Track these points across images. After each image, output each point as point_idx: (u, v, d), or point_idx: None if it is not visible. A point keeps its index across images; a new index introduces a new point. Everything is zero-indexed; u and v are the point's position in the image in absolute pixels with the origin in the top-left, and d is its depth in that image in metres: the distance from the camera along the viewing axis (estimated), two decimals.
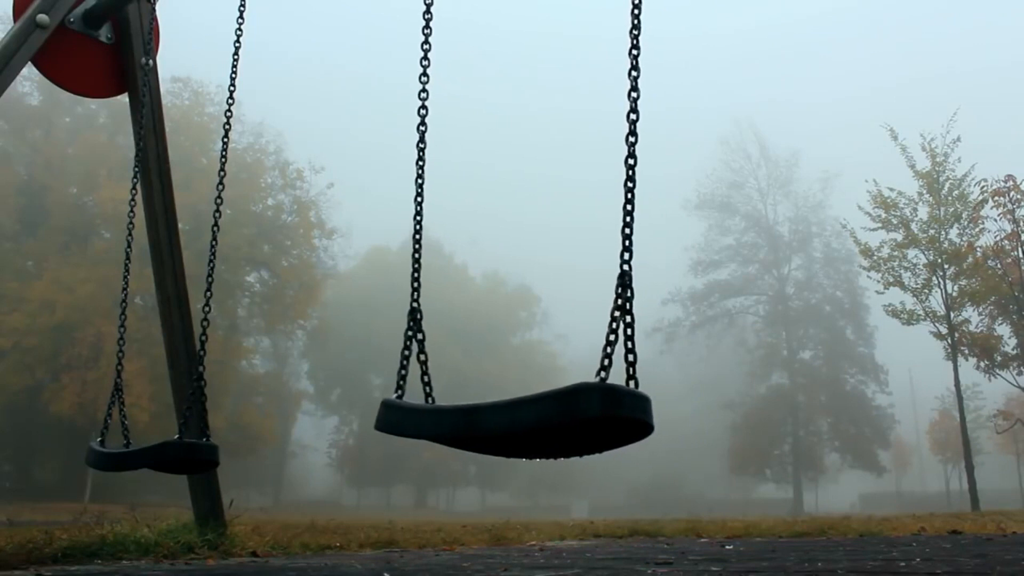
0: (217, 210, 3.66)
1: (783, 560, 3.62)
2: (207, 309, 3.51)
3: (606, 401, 1.66)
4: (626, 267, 1.85)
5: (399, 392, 2.19)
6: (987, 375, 22.41)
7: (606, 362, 1.76)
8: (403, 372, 2.22)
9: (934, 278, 21.87)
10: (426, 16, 2.62)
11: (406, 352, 2.21)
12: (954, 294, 21.81)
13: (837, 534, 6.53)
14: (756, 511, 29.09)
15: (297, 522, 7.91)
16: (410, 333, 2.23)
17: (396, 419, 2.08)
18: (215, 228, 3.66)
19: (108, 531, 4.15)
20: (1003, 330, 22.15)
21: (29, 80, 30.26)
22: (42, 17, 3.97)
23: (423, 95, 2.58)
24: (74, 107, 34.48)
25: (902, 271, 22.26)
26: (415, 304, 2.29)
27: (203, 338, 3.54)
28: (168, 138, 4.68)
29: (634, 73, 2.03)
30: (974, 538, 5.58)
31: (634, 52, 2.04)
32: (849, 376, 48.26)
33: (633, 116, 2.01)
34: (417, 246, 2.43)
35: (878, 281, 22.60)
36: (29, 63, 4.03)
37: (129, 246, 4.09)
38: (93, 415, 27.35)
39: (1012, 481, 47.23)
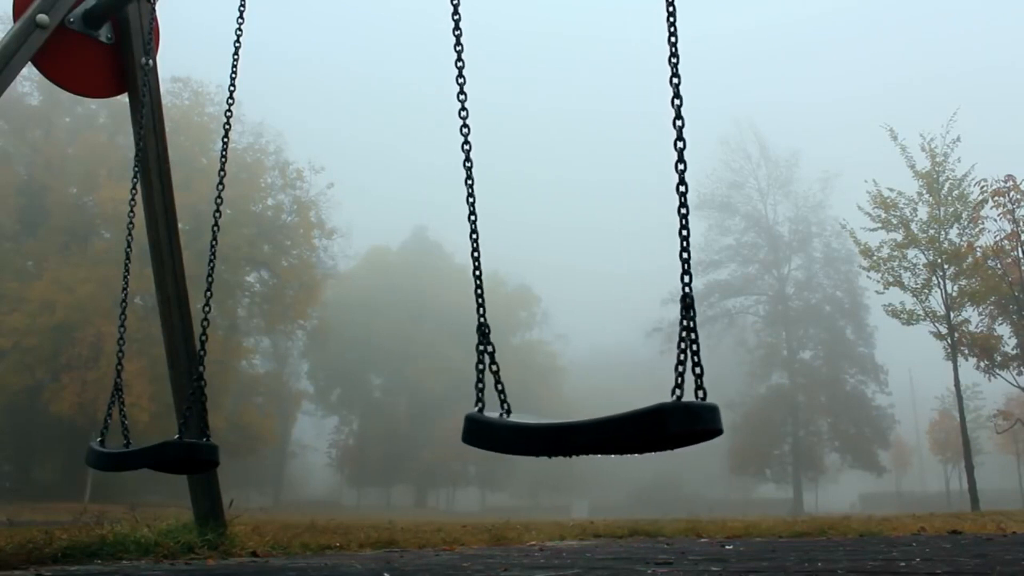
0: (217, 210, 3.66)
1: (783, 560, 3.62)
2: (207, 309, 3.51)
3: (685, 419, 1.83)
4: (687, 289, 1.97)
5: (480, 405, 2.28)
6: (987, 375, 22.40)
7: (679, 380, 1.89)
8: (480, 385, 2.31)
9: (934, 278, 21.87)
10: (456, 33, 2.63)
11: (480, 366, 2.31)
12: (954, 294, 21.81)
13: (837, 534, 6.53)
14: (756, 511, 29.09)
15: (297, 522, 7.91)
16: (481, 347, 2.34)
17: (485, 435, 2.21)
18: (215, 228, 3.66)
19: (108, 531, 4.15)
20: (1003, 330, 22.16)
21: (29, 80, 30.28)
22: (42, 17, 3.97)
23: (463, 113, 2.59)
24: (74, 107, 34.49)
25: (902, 271, 22.26)
26: (482, 319, 2.39)
27: (203, 338, 3.54)
28: (168, 138, 4.68)
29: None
30: (974, 538, 5.58)
31: (673, 60, 2.10)
32: (849, 376, 48.27)
33: (680, 144, 2.06)
34: (477, 263, 2.52)
35: (878, 281, 22.61)
36: (29, 63, 4.03)
37: (129, 246, 4.08)
38: (93, 415, 27.35)
39: (1012, 481, 47.22)
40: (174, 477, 4.40)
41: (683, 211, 2.03)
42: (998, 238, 21.65)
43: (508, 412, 2.23)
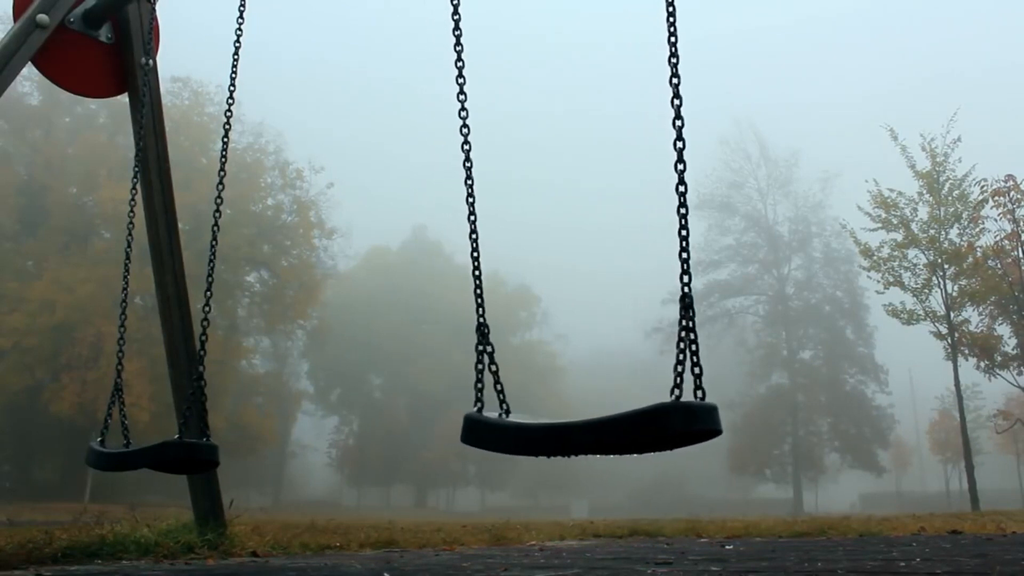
0: (217, 210, 3.66)
1: (783, 560, 3.62)
2: (207, 309, 3.51)
3: (684, 419, 1.85)
4: (686, 289, 1.97)
5: (479, 405, 2.28)
6: (987, 375, 22.39)
7: (678, 380, 1.90)
8: (479, 385, 2.31)
9: (934, 278, 21.86)
10: (456, 33, 2.63)
11: (479, 366, 2.31)
12: (954, 294, 21.81)
13: (837, 534, 6.53)
14: (756, 511, 29.07)
15: (297, 522, 7.91)
16: (480, 347, 2.33)
17: (484, 434, 2.21)
18: (215, 228, 3.66)
19: (108, 531, 4.15)
20: (1003, 330, 22.14)
21: (29, 80, 30.27)
22: (42, 17, 3.97)
23: (463, 113, 2.59)
24: (74, 107, 34.49)
25: (902, 271, 22.25)
26: (481, 319, 2.39)
27: (203, 338, 3.54)
28: (168, 138, 4.68)
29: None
30: (974, 538, 5.58)
31: (673, 60, 2.10)
32: (849, 376, 48.28)
33: (680, 145, 2.06)
34: (476, 263, 2.52)
35: (878, 281, 22.60)
36: (29, 63, 4.03)
37: (129, 246, 4.08)
38: (93, 415, 27.35)
39: (1012, 481, 47.21)
40: (174, 477, 4.40)
41: (683, 211, 2.04)
42: (998, 238, 21.66)
43: (507, 412, 2.23)
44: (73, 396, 29.41)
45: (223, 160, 3.77)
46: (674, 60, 2.09)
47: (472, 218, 2.53)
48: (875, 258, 22.66)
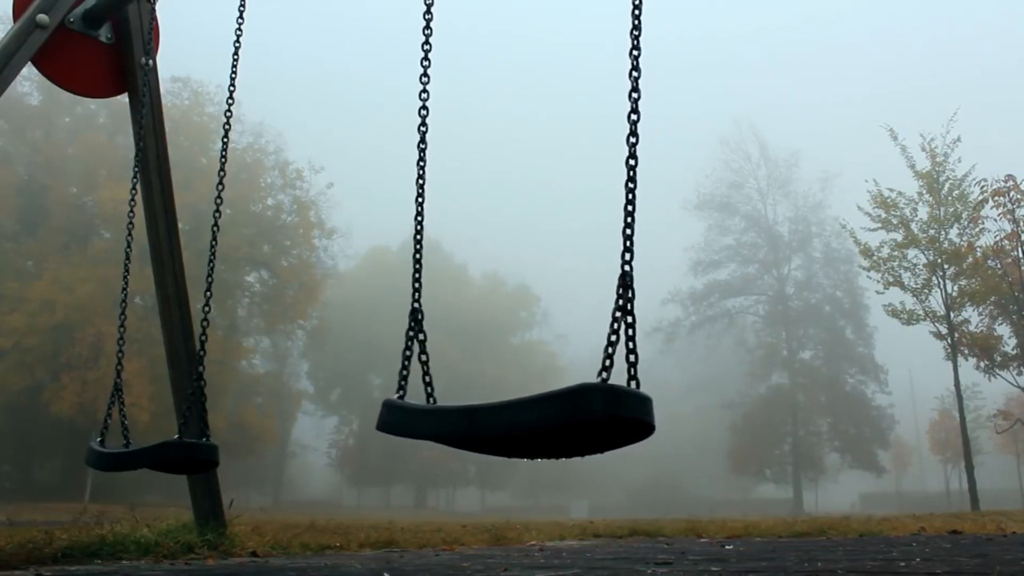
0: (217, 210, 3.66)
1: (783, 560, 3.62)
2: (207, 309, 3.51)
3: (608, 402, 1.66)
4: (627, 267, 1.85)
5: (400, 392, 2.19)
6: (987, 375, 22.40)
7: (607, 363, 1.76)
8: (404, 372, 2.21)
9: (934, 278, 21.86)
10: (426, 16, 2.62)
11: (407, 352, 2.21)
12: (954, 294, 21.81)
13: (837, 534, 6.53)
14: (756, 511, 29.08)
15: (297, 522, 7.92)
16: (411, 334, 2.24)
17: (397, 419, 2.08)
18: (215, 228, 3.66)
19: (108, 531, 4.15)
20: (1003, 330, 22.15)
21: (29, 80, 30.27)
22: (42, 17, 3.97)
23: (424, 95, 2.58)
24: (74, 107, 34.49)
25: (902, 271, 22.25)
26: (416, 304, 2.29)
27: (203, 338, 3.54)
28: (168, 138, 4.68)
29: (635, 74, 2.02)
30: (974, 538, 5.58)
31: (635, 53, 2.04)
32: (849, 376, 48.29)
33: (634, 117, 2.00)
34: (418, 246, 2.42)
35: (878, 281, 22.61)
36: (29, 63, 4.03)
37: (129, 246, 4.08)
38: (93, 415, 27.34)
39: (1012, 481, 47.19)
40: (174, 477, 4.40)
41: (631, 185, 1.95)
42: (998, 238, 21.67)
43: (434, 403, 2.12)
44: (73, 396, 29.40)
45: (223, 160, 3.77)
46: (636, 53, 2.03)
47: (420, 200, 2.49)
48: (875, 258, 22.66)
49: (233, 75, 3.87)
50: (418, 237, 2.44)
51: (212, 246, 3.68)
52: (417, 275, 2.40)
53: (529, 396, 1.75)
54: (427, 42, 2.61)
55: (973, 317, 22.18)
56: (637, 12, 2.07)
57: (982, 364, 21.99)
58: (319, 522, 7.89)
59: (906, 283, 22.10)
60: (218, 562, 3.82)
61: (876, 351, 47.74)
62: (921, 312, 22.00)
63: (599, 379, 1.72)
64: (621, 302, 1.80)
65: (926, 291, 21.89)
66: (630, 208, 1.94)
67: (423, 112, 2.56)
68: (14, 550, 3.51)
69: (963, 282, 21.88)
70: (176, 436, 3.58)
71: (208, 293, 3.58)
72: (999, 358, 21.88)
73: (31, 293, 30.21)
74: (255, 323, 41.54)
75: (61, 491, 29.35)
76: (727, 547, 4.99)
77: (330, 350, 50.21)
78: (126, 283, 4.02)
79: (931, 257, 21.92)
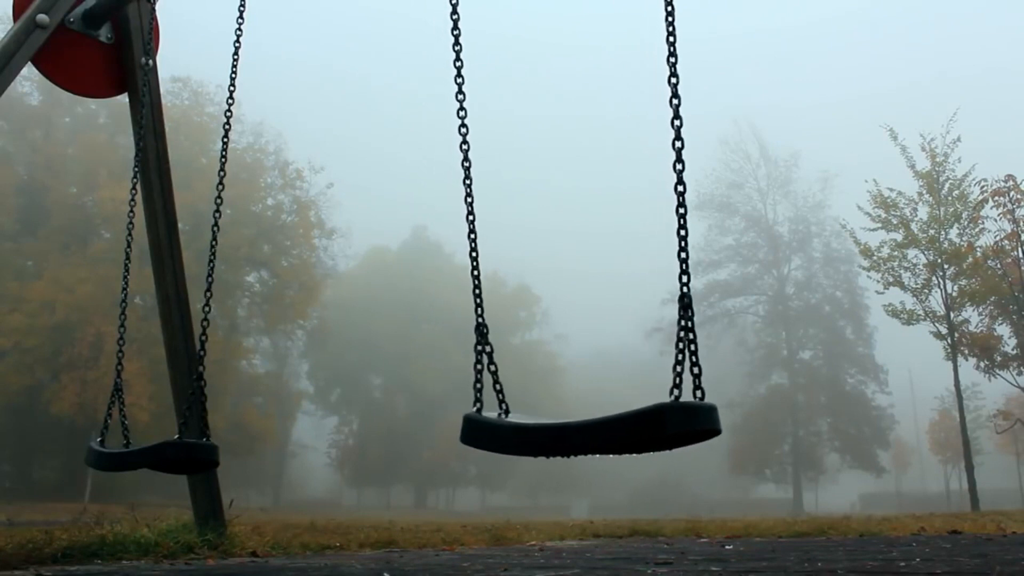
0: (217, 210, 3.66)
1: (783, 560, 3.62)
2: (207, 309, 3.51)
3: (686, 418, 1.84)
4: (685, 289, 1.98)
5: (478, 405, 2.28)
6: (987, 375, 22.41)
7: (677, 380, 1.90)
8: (479, 385, 2.31)
9: (934, 278, 21.87)
10: (455, 32, 2.63)
11: (478, 366, 2.30)
12: (954, 294, 21.81)
13: (837, 534, 6.53)
14: (756, 511, 29.05)
15: (297, 522, 7.92)
16: (479, 348, 2.33)
17: (482, 435, 2.21)
18: (215, 228, 3.66)
19: (108, 531, 4.15)
20: (1003, 330, 22.16)
21: (29, 80, 30.27)
22: (42, 17, 3.97)
23: (461, 113, 2.59)
24: (74, 107, 34.49)
25: (902, 271, 22.27)
26: (480, 319, 2.38)
27: (203, 338, 3.54)
28: (168, 138, 4.68)
29: (673, 80, 2.08)
30: (974, 538, 5.58)
31: (671, 60, 2.10)
32: (849, 376, 48.29)
33: (679, 144, 2.06)
34: (475, 263, 2.51)
35: (878, 281, 22.62)
36: (29, 63, 4.03)
37: (129, 246, 4.08)
38: (93, 415, 27.35)
39: (1012, 481, 47.20)
40: (174, 477, 4.39)
41: (681, 211, 2.04)
42: (998, 238, 21.68)
43: (507, 412, 2.22)
44: (73, 396, 29.41)
45: (223, 160, 3.77)
46: (672, 60, 2.10)
47: (471, 218, 2.51)
48: (875, 258, 22.66)
49: (233, 75, 3.87)
50: (474, 255, 2.51)
51: (212, 246, 3.68)
52: (477, 291, 2.48)
53: (610, 416, 1.90)
54: (458, 58, 2.61)
55: (973, 317, 22.22)
56: (671, 19, 2.13)
57: (982, 364, 22.00)
58: (319, 522, 7.89)
59: (906, 283, 22.12)
60: (218, 562, 3.82)
61: (876, 351, 47.77)
62: (921, 312, 22.02)
63: (672, 397, 1.87)
64: (684, 322, 1.94)
65: (926, 291, 21.91)
66: (683, 233, 2.04)
67: (463, 130, 2.57)
68: (14, 550, 3.52)
69: (963, 282, 21.89)
70: (176, 436, 3.57)
71: (208, 293, 3.58)
72: (999, 358, 21.89)
73: (31, 293, 30.22)
74: (255, 323, 41.56)
75: (61, 491, 29.35)
76: (727, 547, 4.99)
77: (330, 350, 50.22)
78: (126, 283, 4.02)
79: (931, 257, 21.93)
